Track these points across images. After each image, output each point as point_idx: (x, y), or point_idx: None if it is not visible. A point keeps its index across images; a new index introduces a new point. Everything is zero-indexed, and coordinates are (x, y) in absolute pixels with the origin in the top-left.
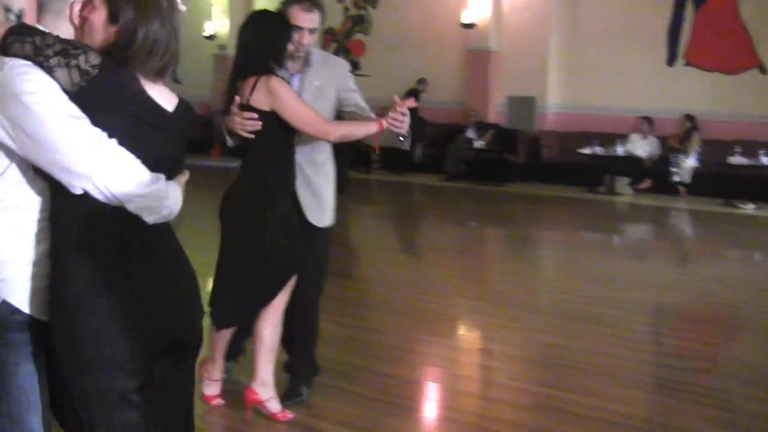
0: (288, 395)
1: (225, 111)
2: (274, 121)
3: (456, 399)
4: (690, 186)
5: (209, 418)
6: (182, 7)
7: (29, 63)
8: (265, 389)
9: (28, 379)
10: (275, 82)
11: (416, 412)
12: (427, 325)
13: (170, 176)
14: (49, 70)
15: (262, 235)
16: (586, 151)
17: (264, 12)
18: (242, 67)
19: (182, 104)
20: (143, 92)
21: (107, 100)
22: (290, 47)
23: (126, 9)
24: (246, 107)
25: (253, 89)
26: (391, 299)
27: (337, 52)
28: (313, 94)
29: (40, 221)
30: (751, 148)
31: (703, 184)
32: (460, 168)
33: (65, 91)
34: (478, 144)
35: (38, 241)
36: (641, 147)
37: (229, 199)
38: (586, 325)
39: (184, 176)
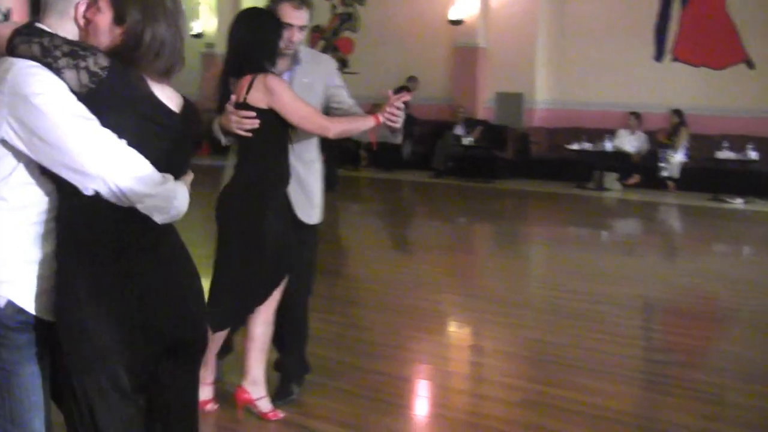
0: (279, 394)
1: (218, 110)
2: (271, 119)
3: (446, 396)
4: (678, 181)
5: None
6: None
7: (37, 64)
8: (256, 388)
9: (31, 379)
10: (273, 80)
11: (407, 410)
12: (417, 322)
13: (177, 176)
14: (58, 72)
15: (262, 233)
16: (575, 146)
17: (255, 9)
18: (235, 65)
19: (188, 104)
20: (151, 93)
21: (116, 101)
22: (281, 45)
23: (132, 11)
24: (243, 106)
25: (249, 88)
26: (381, 297)
27: (325, 50)
28: (303, 92)
29: (47, 222)
30: (738, 142)
31: (692, 178)
32: (448, 165)
33: (73, 92)
34: (467, 140)
35: (44, 242)
36: (629, 142)
37: (226, 198)
38: (576, 321)
39: (189, 176)
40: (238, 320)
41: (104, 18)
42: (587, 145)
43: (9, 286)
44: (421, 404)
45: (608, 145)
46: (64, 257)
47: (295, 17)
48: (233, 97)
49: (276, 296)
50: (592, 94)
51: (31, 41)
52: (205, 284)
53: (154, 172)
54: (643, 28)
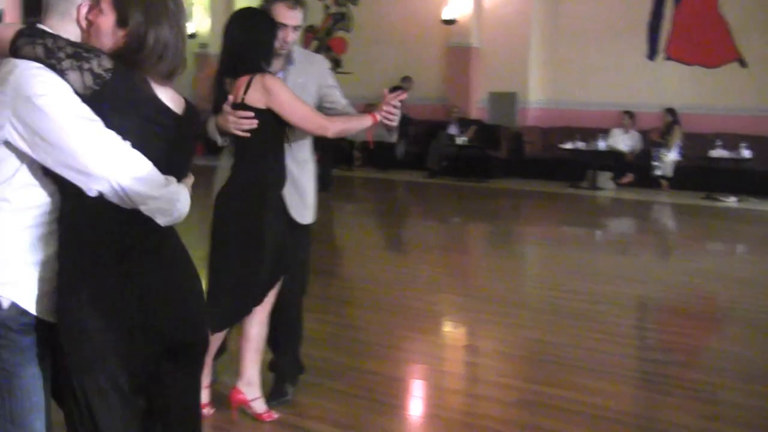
0: (273, 395)
1: (214, 110)
2: (269, 120)
3: (442, 396)
4: (672, 180)
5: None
6: None
7: (40, 65)
8: (251, 389)
9: (32, 381)
10: (271, 80)
11: (402, 410)
12: (412, 322)
13: (178, 179)
14: (61, 73)
15: (261, 233)
16: (568, 146)
17: (250, 9)
18: (231, 65)
19: (189, 107)
20: (154, 96)
21: (119, 103)
22: (275, 45)
23: (135, 13)
24: (241, 106)
25: (247, 88)
26: (376, 296)
27: (318, 50)
28: (297, 92)
29: (49, 223)
30: (732, 141)
31: (685, 177)
32: (442, 164)
33: (77, 93)
34: (461, 140)
35: (47, 244)
36: (623, 141)
37: (224, 199)
38: (572, 320)
39: (190, 179)
40: (237, 320)
41: (106, 20)
42: (581, 145)
43: (12, 288)
44: (417, 404)
45: (602, 144)
46: (65, 258)
47: (290, 17)
48: (231, 98)
49: (271, 297)
50: (585, 94)
51: (34, 42)
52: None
53: (158, 174)
54: (637, 28)
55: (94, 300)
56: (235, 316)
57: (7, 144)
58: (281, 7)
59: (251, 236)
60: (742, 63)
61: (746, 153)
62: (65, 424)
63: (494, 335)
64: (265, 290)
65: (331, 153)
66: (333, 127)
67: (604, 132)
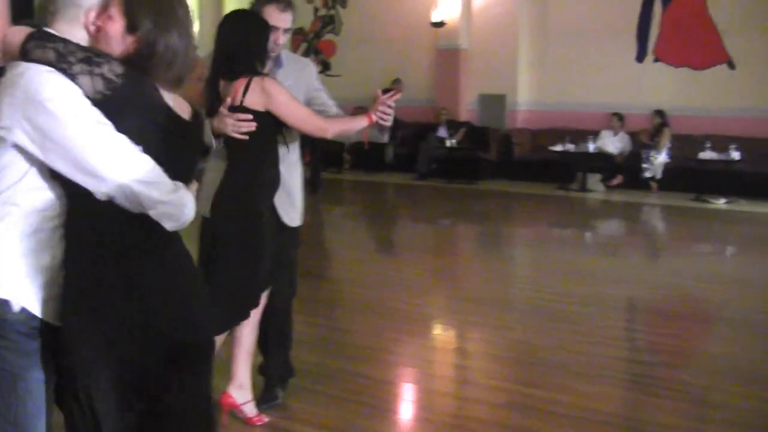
0: (263, 399)
1: (208, 113)
2: (267, 122)
3: (431, 399)
4: (661, 181)
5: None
6: None
7: (51, 69)
8: (241, 393)
9: (37, 385)
10: (269, 83)
11: (391, 413)
12: (401, 324)
13: (186, 184)
14: (72, 77)
15: (261, 235)
16: (558, 148)
17: (243, 11)
18: (225, 67)
19: (195, 112)
20: (163, 101)
21: (129, 108)
22: (268, 46)
23: (145, 20)
24: (240, 109)
25: (246, 90)
26: (365, 299)
27: (307, 53)
28: None
29: (57, 227)
30: (720, 143)
31: (674, 179)
32: (432, 166)
33: (87, 98)
34: (450, 142)
35: (54, 247)
36: (612, 143)
37: (221, 201)
38: (560, 322)
39: (194, 185)
40: (238, 322)
41: (115, 26)
42: (570, 146)
43: (22, 292)
44: (406, 407)
45: (591, 146)
46: (70, 260)
47: (281, 20)
48: (229, 100)
49: (263, 299)
50: (574, 96)
51: (45, 46)
52: None
53: (168, 180)
54: (625, 30)
55: (95, 301)
56: (236, 318)
57: (17, 147)
58: (272, 10)
59: (251, 237)
60: (731, 65)
61: (735, 155)
62: (65, 426)
63: (483, 337)
64: (261, 292)
65: (321, 156)
66: (332, 129)
67: (594, 134)
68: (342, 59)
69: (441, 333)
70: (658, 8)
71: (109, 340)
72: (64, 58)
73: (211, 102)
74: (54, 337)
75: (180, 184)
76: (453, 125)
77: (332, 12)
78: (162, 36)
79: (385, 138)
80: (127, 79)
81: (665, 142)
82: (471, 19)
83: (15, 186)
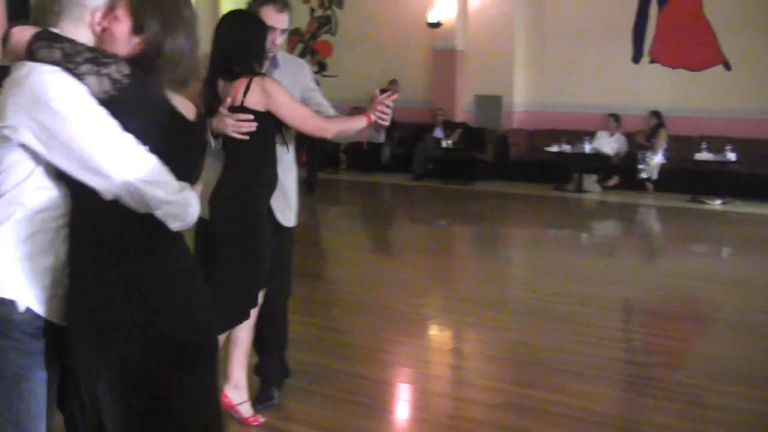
0: (259, 399)
1: (207, 113)
2: (267, 122)
3: (427, 399)
4: (657, 182)
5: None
6: None
7: (57, 68)
8: (238, 393)
9: (40, 385)
10: (270, 83)
11: (388, 413)
12: (398, 325)
13: (191, 184)
14: (79, 77)
15: (260, 234)
16: (554, 148)
17: (240, 12)
18: (223, 67)
19: (200, 114)
20: (169, 102)
21: (136, 108)
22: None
23: (152, 21)
24: (240, 109)
25: (247, 90)
26: (361, 299)
27: (303, 53)
28: None
29: (62, 227)
30: (717, 144)
31: (670, 180)
32: (428, 167)
33: (94, 98)
34: (446, 143)
35: (59, 247)
36: (608, 144)
37: (220, 201)
38: (556, 322)
39: (199, 186)
40: (239, 322)
41: (121, 27)
42: (566, 147)
43: (27, 292)
44: (402, 408)
45: (587, 147)
46: (74, 259)
47: (278, 20)
48: (229, 100)
49: (260, 299)
50: (570, 96)
51: (51, 46)
52: None
53: (174, 180)
54: (621, 31)
55: (95, 301)
56: (236, 318)
57: (22, 147)
58: (269, 11)
59: (250, 237)
60: (727, 66)
61: (731, 156)
62: (65, 428)
63: (479, 338)
64: (259, 291)
65: (317, 156)
66: (332, 129)
67: (590, 135)
68: (338, 60)
69: (437, 333)
70: (654, 9)
71: (110, 340)
72: (71, 58)
73: (210, 102)
74: (59, 337)
75: (185, 184)
76: (449, 126)
77: (328, 13)
78: (169, 37)
79: (381, 137)
80: (134, 80)
81: (661, 143)
82: (467, 20)
83: (20, 185)
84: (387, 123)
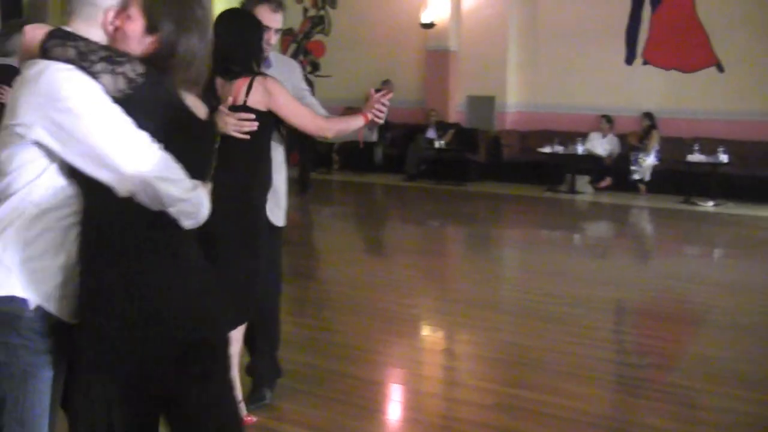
0: (251, 399)
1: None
2: (268, 122)
3: (420, 400)
4: (650, 184)
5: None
6: None
7: (71, 66)
8: None
9: (46, 384)
10: (271, 83)
11: (380, 414)
12: (390, 325)
13: (202, 182)
14: (94, 76)
15: (261, 234)
16: (547, 149)
17: (237, 11)
18: (222, 66)
19: (210, 113)
20: (182, 101)
21: (150, 107)
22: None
23: (166, 21)
24: (242, 108)
25: (249, 90)
26: (353, 300)
27: (296, 53)
28: None
29: (73, 225)
30: (709, 145)
31: (663, 181)
32: (420, 168)
33: (108, 96)
34: (439, 144)
35: (69, 245)
36: (601, 145)
37: (220, 200)
38: (548, 323)
39: (208, 185)
40: (242, 322)
41: (134, 26)
42: (559, 148)
43: (38, 290)
44: (395, 408)
45: (580, 148)
46: (85, 258)
47: (272, 20)
48: (230, 99)
49: None
50: (563, 98)
51: (65, 44)
52: None
53: (187, 178)
54: (615, 32)
55: (95, 301)
56: (238, 318)
57: (36, 144)
58: (264, 10)
59: (251, 237)
60: (720, 68)
61: (723, 157)
62: (68, 428)
63: (472, 339)
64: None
65: (310, 156)
66: (332, 128)
67: (583, 136)
68: (331, 60)
69: (430, 334)
70: (647, 11)
71: (113, 340)
72: (86, 57)
73: (208, 101)
74: (69, 335)
75: (198, 182)
76: (442, 126)
77: (322, 13)
78: (183, 37)
79: (374, 136)
80: (148, 78)
81: (654, 144)
82: (460, 21)
83: (32, 184)
84: (382, 122)
